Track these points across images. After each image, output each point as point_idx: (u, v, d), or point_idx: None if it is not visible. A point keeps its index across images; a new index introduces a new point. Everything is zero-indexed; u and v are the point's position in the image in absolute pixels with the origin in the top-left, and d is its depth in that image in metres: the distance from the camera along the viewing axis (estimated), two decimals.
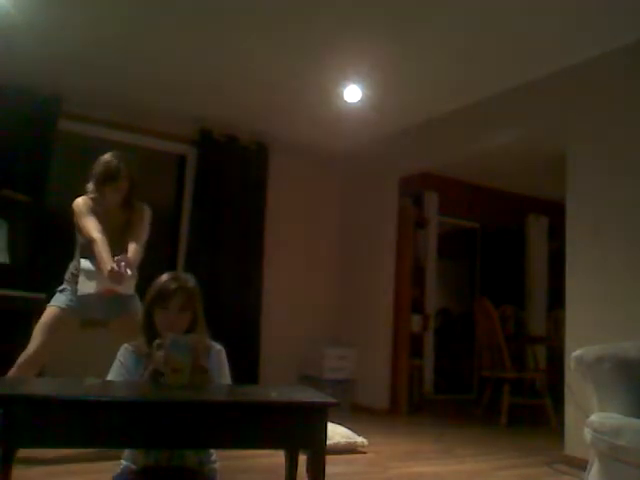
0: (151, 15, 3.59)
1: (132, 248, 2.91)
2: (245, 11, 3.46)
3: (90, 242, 2.88)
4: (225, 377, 2.06)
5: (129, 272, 2.72)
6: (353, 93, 4.47)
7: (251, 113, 5.06)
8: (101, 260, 2.78)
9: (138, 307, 2.80)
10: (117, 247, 2.87)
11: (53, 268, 3.32)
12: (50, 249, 4.34)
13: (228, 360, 2.09)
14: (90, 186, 3.03)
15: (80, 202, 3.01)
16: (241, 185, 5.33)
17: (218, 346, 2.09)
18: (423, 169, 5.51)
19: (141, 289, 2.48)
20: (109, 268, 2.69)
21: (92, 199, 3.02)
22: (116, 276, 2.71)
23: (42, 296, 3.57)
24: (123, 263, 2.70)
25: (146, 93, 4.71)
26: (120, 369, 2.01)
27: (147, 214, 3.12)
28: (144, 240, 3.04)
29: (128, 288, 2.91)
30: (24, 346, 2.90)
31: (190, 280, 2.06)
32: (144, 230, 3.07)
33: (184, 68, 4.26)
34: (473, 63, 3.96)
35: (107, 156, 3.01)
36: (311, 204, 5.85)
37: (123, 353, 2.04)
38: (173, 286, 1.99)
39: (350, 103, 4.63)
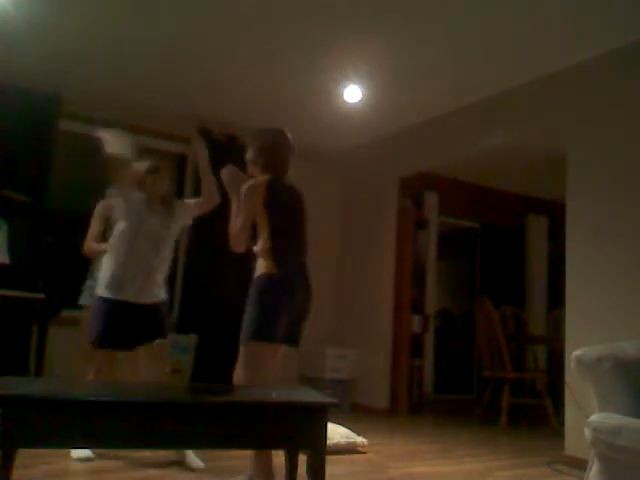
0: (151, 15, 3.59)
1: None
2: (245, 11, 3.46)
3: None
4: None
5: None
6: (353, 93, 4.47)
7: (251, 113, 5.06)
8: None
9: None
10: None
11: (53, 268, 3.32)
12: (50, 249, 4.33)
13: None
14: None
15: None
16: None
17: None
18: (423, 169, 5.50)
19: None
20: None
21: None
22: None
23: (42, 296, 3.58)
24: None
25: (146, 93, 4.71)
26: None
27: None
28: None
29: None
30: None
31: None
32: None
33: (184, 68, 4.26)
34: (473, 63, 3.95)
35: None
36: (311, 204, 5.80)
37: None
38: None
39: (350, 103, 4.63)
